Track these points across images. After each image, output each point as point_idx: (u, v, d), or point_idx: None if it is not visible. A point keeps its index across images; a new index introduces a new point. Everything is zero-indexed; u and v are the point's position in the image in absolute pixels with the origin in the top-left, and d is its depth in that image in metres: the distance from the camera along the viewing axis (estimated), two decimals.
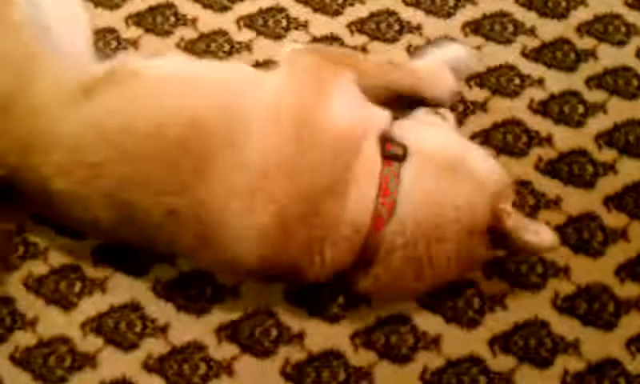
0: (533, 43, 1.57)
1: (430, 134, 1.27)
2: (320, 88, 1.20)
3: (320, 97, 1.18)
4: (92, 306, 1.30)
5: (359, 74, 1.27)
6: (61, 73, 1.23)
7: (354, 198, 1.14)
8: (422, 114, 1.35)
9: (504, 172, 1.24)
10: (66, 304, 1.30)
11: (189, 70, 1.29)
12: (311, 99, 1.18)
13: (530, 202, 1.38)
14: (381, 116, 1.24)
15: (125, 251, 1.33)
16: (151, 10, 1.62)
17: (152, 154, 1.15)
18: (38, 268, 1.33)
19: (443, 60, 1.41)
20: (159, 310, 1.30)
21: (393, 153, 1.19)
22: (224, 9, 1.62)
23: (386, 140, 1.21)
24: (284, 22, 1.60)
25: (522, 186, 1.39)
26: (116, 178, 1.16)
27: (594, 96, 1.50)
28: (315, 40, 1.58)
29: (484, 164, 1.23)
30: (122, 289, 1.32)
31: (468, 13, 1.60)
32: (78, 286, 1.32)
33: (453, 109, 1.45)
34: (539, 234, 1.17)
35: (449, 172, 1.18)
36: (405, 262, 1.16)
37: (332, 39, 1.58)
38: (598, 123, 1.47)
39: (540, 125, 1.47)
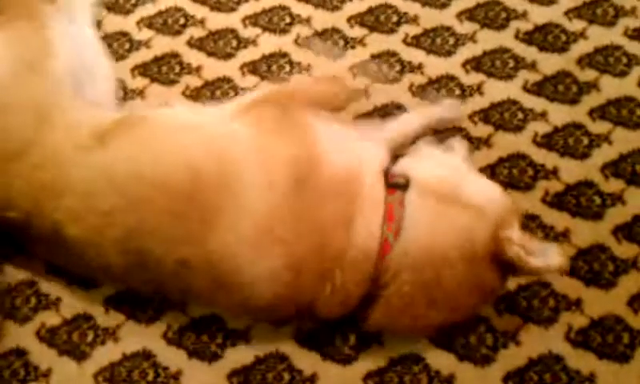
0: (534, 77, 1.58)
1: (430, 164, 1.28)
2: (302, 134, 1.23)
3: (307, 144, 1.21)
4: (104, 355, 1.30)
5: (322, 105, 1.33)
6: (78, 120, 1.27)
7: (360, 225, 1.16)
8: (423, 145, 1.38)
9: (508, 199, 1.24)
10: (79, 354, 1.30)
11: (187, 118, 1.33)
12: (299, 148, 1.20)
13: (539, 235, 1.38)
14: (375, 147, 1.28)
15: (136, 299, 1.34)
16: (156, 59, 1.66)
17: (159, 204, 1.17)
18: (51, 319, 1.34)
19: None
20: (171, 357, 1.30)
21: (395, 182, 1.22)
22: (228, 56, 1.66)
23: (388, 171, 1.24)
24: (287, 68, 1.63)
25: (530, 220, 1.39)
26: (126, 227, 1.18)
27: (598, 127, 1.51)
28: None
29: (484, 191, 1.24)
30: (134, 337, 1.32)
31: (468, 50, 1.63)
32: (90, 336, 1.32)
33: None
34: (546, 255, 1.16)
35: (449, 200, 1.20)
36: (414, 287, 1.16)
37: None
38: (604, 154, 1.47)
39: (545, 158, 1.47)
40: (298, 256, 1.14)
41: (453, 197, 1.20)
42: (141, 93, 1.61)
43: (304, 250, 1.14)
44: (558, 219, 1.40)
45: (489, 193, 1.24)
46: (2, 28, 1.36)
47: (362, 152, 1.25)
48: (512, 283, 1.31)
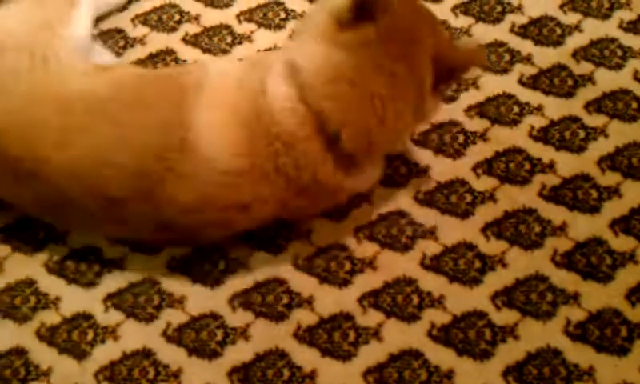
0: (530, 71, 1.59)
1: None
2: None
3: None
4: (105, 354, 1.30)
5: None
6: (79, 63, 1.37)
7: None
8: None
9: None
10: (79, 353, 1.30)
11: None
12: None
13: (536, 229, 1.38)
14: None
15: (136, 297, 1.34)
16: (152, 56, 1.66)
17: (149, 88, 1.32)
18: (50, 318, 1.33)
19: None
20: (171, 355, 1.29)
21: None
22: None
23: None
24: None
25: (527, 214, 1.40)
26: (123, 103, 1.28)
27: (595, 120, 1.52)
28: None
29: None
30: (134, 335, 1.32)
31: (464, 44, 1.62)
32: (90, 335, 1.32)
33: (454, 139, 1.48)
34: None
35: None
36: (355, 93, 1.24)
37: None
38: (600, 147, 1.48)
39: (542, 152, 1.48)
40: (244, 114, 1.24)
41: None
42: None
43: (247, 112, 1.25)
44: (555, 213, 1.40)
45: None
46: None
47: None
48: (509, 277, 1.33)
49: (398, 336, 1.28)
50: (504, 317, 1.30)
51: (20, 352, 1.30)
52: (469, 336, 1.28)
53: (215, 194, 1.25)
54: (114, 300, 1.35)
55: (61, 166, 1.25)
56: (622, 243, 1.36)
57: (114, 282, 1.37)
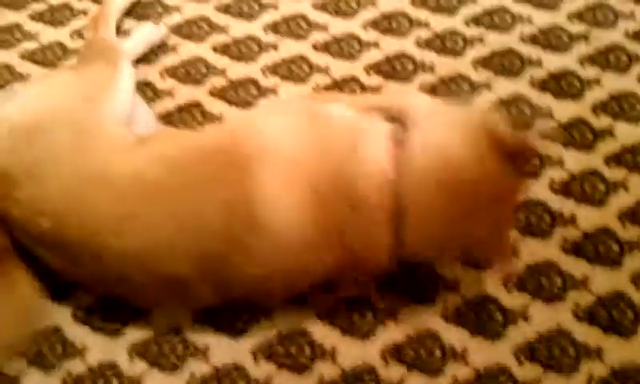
0: (550, 124, 1.60)
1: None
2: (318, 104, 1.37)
3: (320, 106, 1.34)
4: None
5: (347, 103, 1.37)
6: (122, 136, 1.36)
7: (366, 157, 1.22)
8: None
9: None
10: None
11: None
12: (315, 107, 1.34)
13: (558, 283, 1.39)
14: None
15: (159, 347, 1.36)
16: (179, 108, 1.69)
17: (201, 164, 1.26)
18: (76, 367, 1.35)
19: None
20: None
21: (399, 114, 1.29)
22: None
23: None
24: None
25: (549, 268, 1.40)
26: (173, 188, 1.24)
27: (614, 174, 1.53)
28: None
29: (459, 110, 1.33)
30: None
31: (484, 98, 1.66)
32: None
33: None
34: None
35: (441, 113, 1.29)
36: (433, 195, 1.20)
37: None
38: (620, 201, 1.49)
39: (562, 205, 1.49)
40: (322, 191, 1.20)
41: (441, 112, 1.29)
42: None
43: (326, 188, 1.20)
44: (576, 266, 1.41)
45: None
46: (84, 68, 1.51)
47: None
48: (531, 331, 1.34)
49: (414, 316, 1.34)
50: (527, 371, 1.30)
51: None
52: (481, 317, 1.32)
53: (283, 263, 1.24)
54: (138, 349, 1.37)
55: (121, 252, 1.25)
56: None
57: (138, 331, 1.39)
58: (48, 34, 1.86)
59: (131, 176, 1.26)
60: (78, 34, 1.86)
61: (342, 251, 1.23)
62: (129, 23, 1.84)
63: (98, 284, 1.37)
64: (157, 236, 1.23)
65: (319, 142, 1.24)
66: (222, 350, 1.36)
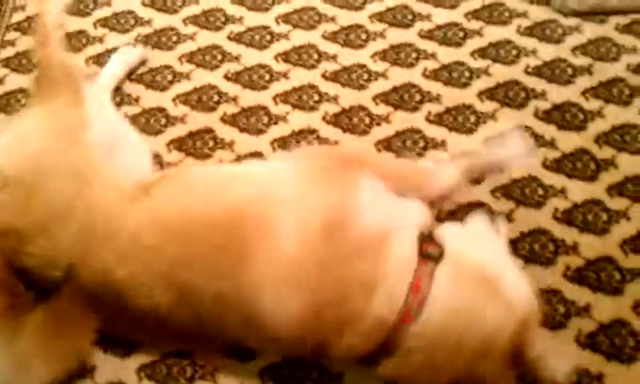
0: (553, 155, 1.64)
1: (470, 243, 1.28)
2: (344, 189, 1.27)
3: (345, 198, 1.25)
4: None
5: (376, 171, 1.33)
6: (116, 179, 1.35)
7: (382, 293, 1.18)
8: (474, 220, 1.35)
9: (535, 299, 1.23)
10: None
11: (231, 168, 1.47)
12: (337, 201, 1.25)
13: (561, 310, 1.41)
14: (417, 211, 1.29)
15: (168, 368, 1.38)
16: (191, 134, 1.74)
17: (200, 239, 1.24)
18: None
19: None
20: None
21: (429, 253, 1.22)
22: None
23: (424, 238, 1.24)
24: (315, 143, 1.70)
25: (552, 295, 1.43)
26: (170, 260, 1.24)
27: (617, 204, 1.56)
28: None
29: (519, 287, 1.23)
30: None
31: (489, 128, 1.69)
32: None
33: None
34: (556, 369, 1.18)
35: (482, 287, 1.19)
36: (422, 366, 1.19)
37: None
38: (622, 230, 1.52)
39: (565, 233, 1.52)
40: (316, 305, 1.18)
41: (486, 285, 1.20)
42: (176, 166, 1.68)
43: (324, 300, 1.18)
44: (579, 294, 1.44)
45: (522, 289, 1.23)
46: (46, 102, 1.46)
47: (401, 215, 1.26)
48: None
49: None
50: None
51: None
52: None
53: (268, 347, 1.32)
54: (147, 370, 1.40)
55: (126, 306, 1.28)
56: None
57: (148, 353, 1.42)
58: None
59: (132, 234, 1.26)
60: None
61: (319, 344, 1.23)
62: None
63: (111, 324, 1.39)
64: (159, 304, 1.26)
65: (338, 248, 1.21)
66: (230, 372, 1.38)
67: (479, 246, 1.28)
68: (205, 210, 1.27)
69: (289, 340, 1.22)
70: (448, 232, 1.28)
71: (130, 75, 1.82)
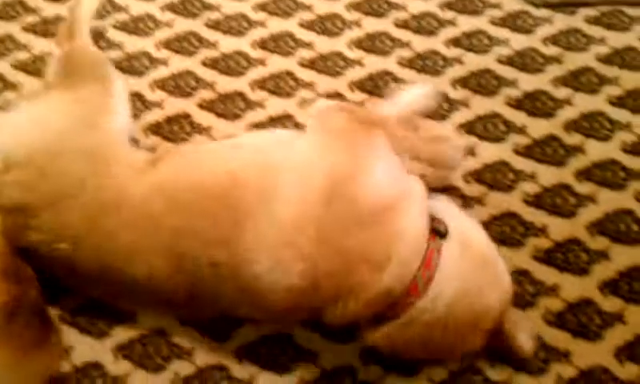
0: (524, 141, 1.68)
1: (470, 224, 1.32)
2: (354, 154, 1.23)
3: (355, 164, 1.22)
4: None
5: (391, 139, 1.31)
6: (132, 156, 1.37)
7: (395, 266, 1.17)
8: (447, 201, 1.39)
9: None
10: None
11: (235, 139, 1.47)
12: (345, 166, 1.22)
13: (530, 290, 1.45)
14: (421, 187, 1.29)
15: (144, 348, 1.40)
16: (168, 120, 1.74)
17: (199, 208, 1.24)
18: (61, 367, 1.37)
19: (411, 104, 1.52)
20: None
21: (438, 228, 1.24)
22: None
23: (430, 216, 1.26)
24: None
25: (521, 276, 1.47)
26: (171, 230, 1.24)
27: (584, 188, 1.60)
28: None
29: (504, 267, 1.30)
30: None
31: (462, 115, 1.73)
32: None
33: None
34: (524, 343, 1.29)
35: (484, 269, 1.25)
36: (420, 337, 1.22)
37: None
38: (589, 213, 1.56)
39: (534, 216, 1.56)
40: (316, 274, 1.17)
41: (487, 267, 1.25)
42: (152, 150, 1.66)
43: (325, 271, 1.17)
44: (547, 274, 1.47)
45: (505, 268, 1.30)
46: (74, 87, 1.47)
47: (411, 189, 1.25)
48: None
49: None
50: (497, 372, 1.35)
51: None
52: None
53: (259, 313, 1.29)
54: (124, 351, 1.40)
55: (131, 279, 1.28)
56: (610, 304, 1.43)
57: (124, 332, 1.42)
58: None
59: (139, 204, 1.27)
60: None
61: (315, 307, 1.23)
62: (120, 36, 1.89)
63: (108, 300, 1.41)
64: (157, 272, 1.26)
65: (344, 213, 1.18)
66: (206, 350, 1.40)
67: (474, 227, 1.33)
68: (207, 179, 1.26)
69: (284, 308, 1.22)
70: (446, 210, 1.31)
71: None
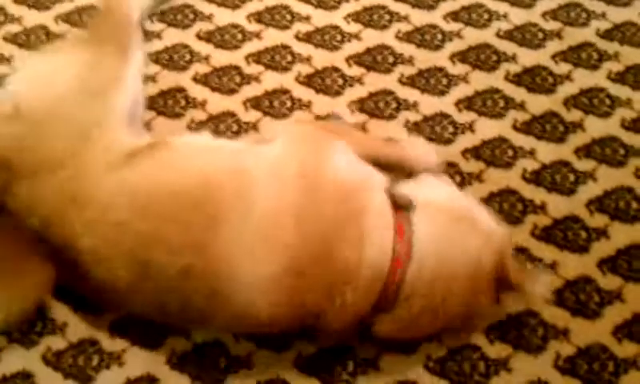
0: (523, 117, 1.66)
1: (437, 189, 1.36)
2: (318, 148, 1.31)
3: (319, 154, 1.29)
4: (109, 379, 1.34)
5: (353, 144, 1.37)
6: (119, 144, 1.33)
7: (372, 241, 1.20)
8: (424, 177, 1.42)
9: (506, 230, 1.34)
10: (84, 378, 1.34)
11: (209, 143, 1.42)
12: (311, 156, 1.28)
13: (529, 267, 1.44)
14: (379, 174, 1.34)
15: (141, 324, 1.38)
16: (163, 93, 1.72)
17: (167, 213, 1.22)
18: (57, 343, 1.37)
19: None
20: (175, 382, 1.34)
21: (401, 202, 1.27)
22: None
23: (391, 193, 1.29)
24: (288, 103, 1.70)
25: (520, 253, 1.46)
26: (136, 237, 1.22)
27: (584, 165, 1.59)
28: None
29: (488, 219, 1.32)
30: (139, 361, 1.36)
31: (461, 90, 1.71)
32: (95, 360, 1.36)
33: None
34: (537, 282, 1.27)
35: (458, 223, 1.27)
36: (424, 310, 1.23)
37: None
38: (589, 191, 1.55)
39: (534, 193, 1.55)
40: (301, 261, 1.18)
41: (462, 221, 1.27)
42: (147, 125, 1.65)
43: (307, 257, 1.18)
44: (546, 252, 1.46)
45: (491, 221, 1.32)
46: (90, 48, 1.46)
47: (369, 175, 1.32)
48: (502, 315, 1.38)
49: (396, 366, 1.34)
50: (497, 350, 1.35)
51: (26, 376, 1.34)
52: (463, 368, 1.34)
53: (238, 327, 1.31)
54: (119, 327, 1.39)
55: (95, 275, 1.27)
56: (609, 282, 1.42)
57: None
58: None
59: (102, 205, 1.25)
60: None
61: (300, 314, 1.22)
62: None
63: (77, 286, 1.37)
64: (120, 280, 1.24)
65: (315, 199, 1.22)
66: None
67: (441, 192, 1.36)
68: (178, 184, 1.26)
69: (267, 313, 1.20)
70: (408, 187, 1.33)
71: None
